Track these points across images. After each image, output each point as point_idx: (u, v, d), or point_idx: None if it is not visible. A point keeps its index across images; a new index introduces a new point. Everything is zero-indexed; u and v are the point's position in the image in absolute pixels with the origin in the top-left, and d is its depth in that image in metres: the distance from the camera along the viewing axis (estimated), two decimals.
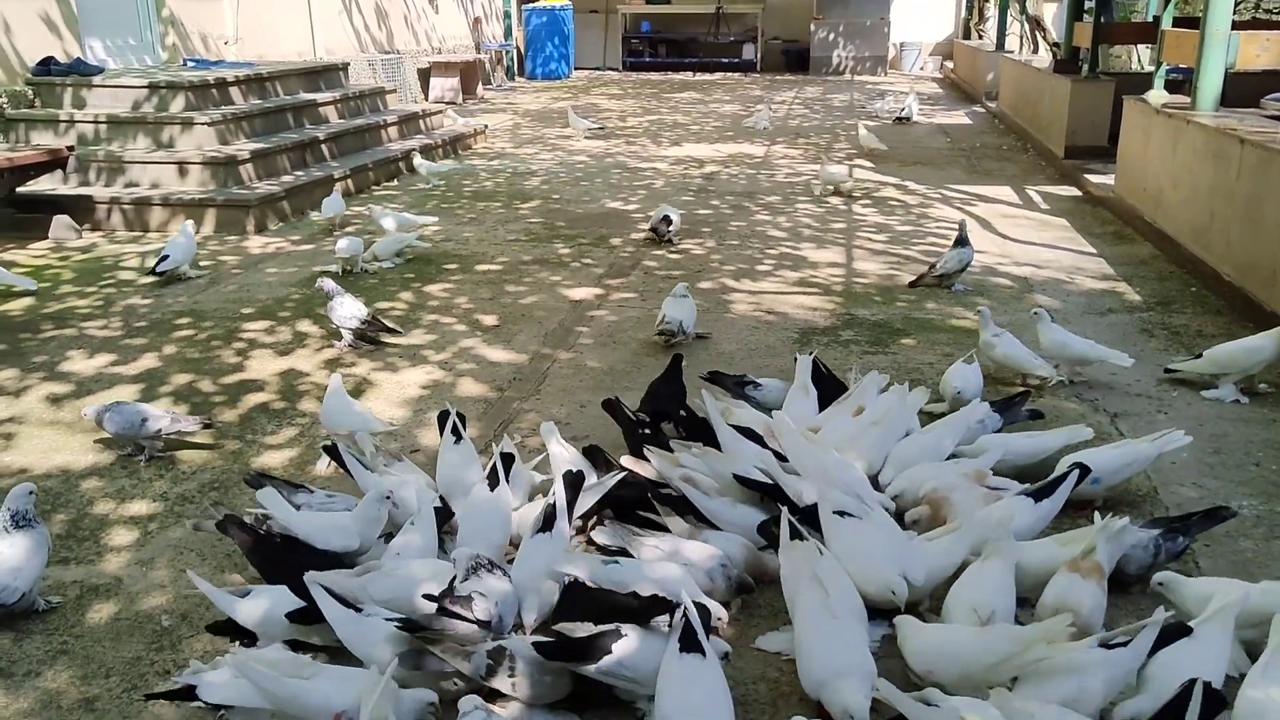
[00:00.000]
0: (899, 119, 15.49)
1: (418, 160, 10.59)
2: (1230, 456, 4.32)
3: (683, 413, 4.31)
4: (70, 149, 8.72)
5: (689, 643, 2.63)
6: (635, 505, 3.62)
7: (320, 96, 11.20)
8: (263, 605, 3.01)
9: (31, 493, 3.35)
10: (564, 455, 3.89)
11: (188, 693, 2.70)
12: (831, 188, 10.14)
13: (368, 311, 5.73)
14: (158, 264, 7.01)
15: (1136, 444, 3.90)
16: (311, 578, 2.91)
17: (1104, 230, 8.49)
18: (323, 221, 8.50)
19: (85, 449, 4.51)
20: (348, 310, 5.62)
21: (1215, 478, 4.13)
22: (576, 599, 3.00)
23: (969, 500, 3.51)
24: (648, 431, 4.10)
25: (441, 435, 3.99)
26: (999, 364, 5.02)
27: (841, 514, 3.20)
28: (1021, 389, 4.79)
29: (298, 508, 3.61)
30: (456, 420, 3.98)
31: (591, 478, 3.74)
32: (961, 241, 6.71)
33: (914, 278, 6.92)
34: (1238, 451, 4.37)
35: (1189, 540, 3.39)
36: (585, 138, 13.94)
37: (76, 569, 3.56)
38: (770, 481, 3.59)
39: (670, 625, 2.73)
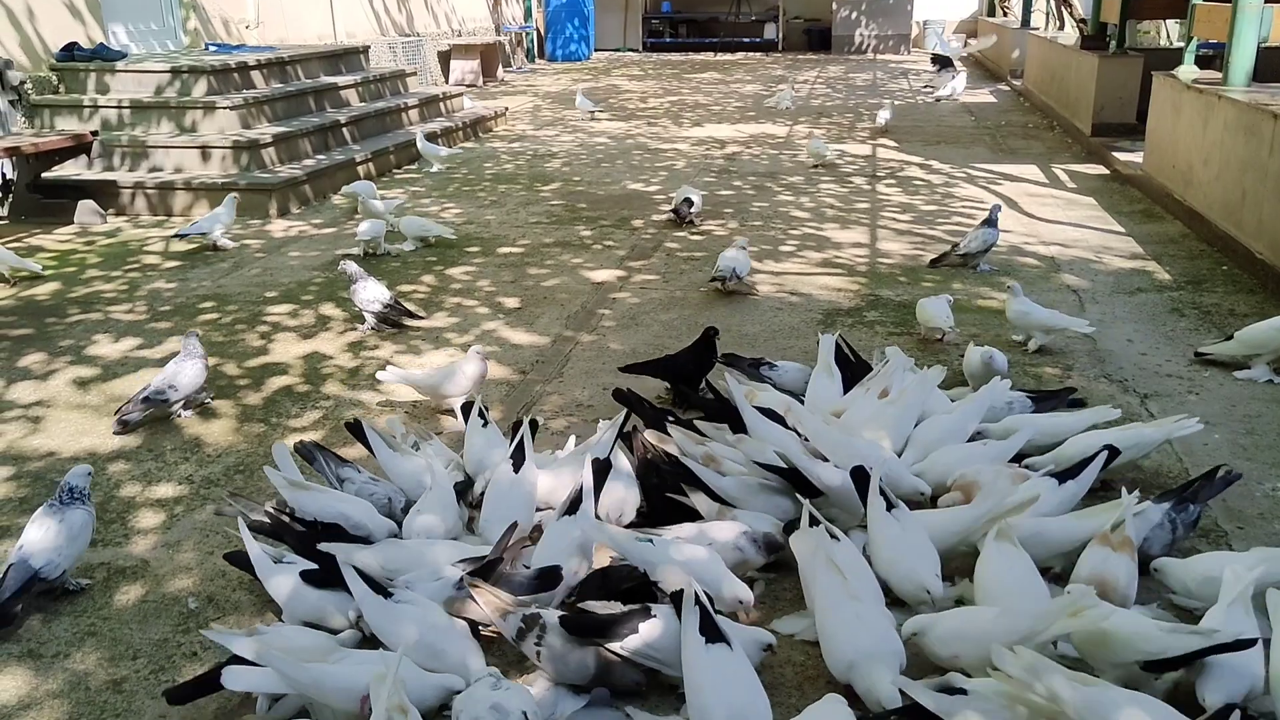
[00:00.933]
0: (938, 98, 15.48)
1: (421, 143, 10.48)
2: (1263, 438, 4.25)
3: (702, 389, 4.29)
4: (94, 134, 8.75)
5: (712, 633, 2.59)
6: (663, 490, 3.60)
7: (341, 80, 11.20)
8: (291, 583, 3.01)
9: (89, 474, 3.40)
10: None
11: (213, 683, 2.66)
12: (818, 160, 10.38)
13: (390, 295, 5.73)
14: (187, 229, 7.31)
15: (1144, 427, 3.86)
16: (344, 559, 2.91)
17: (1132, 208, 8.38)
18: (346, 201, 8.50)
19: (112, 432, 4.53)
20: (370, 294, 5.62)
21: (1249, 459, 4.06)
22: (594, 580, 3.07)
23: (998, 484, 3.47)
24: (669, 412, 4.08)
25: (466, 423, 4.01)
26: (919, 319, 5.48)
27: (890, 506, 3.17)
28: (1066, 386, 4.68)
29: (341, 482, 3.63)
30: (481, 407, 4.00)
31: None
32: (990, 222, 6.63)
33: (935, 256, 6.85)
34: (1271, 433, 4.29)
35: (1200, 507, 3.36)
36: (591, 117, 13.86)
37: (104, 551, 3.58)
38: (789, 467, 3.54)
39: (680, 613, 2.69)
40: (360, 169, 9.74)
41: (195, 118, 9.29)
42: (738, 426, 3.89)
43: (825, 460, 3.57)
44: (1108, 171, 9.88)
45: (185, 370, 4.58)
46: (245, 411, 4.74)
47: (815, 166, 10.35)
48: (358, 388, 4.99)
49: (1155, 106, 8.89)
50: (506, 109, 14.11)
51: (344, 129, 10.37)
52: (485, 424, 3.97)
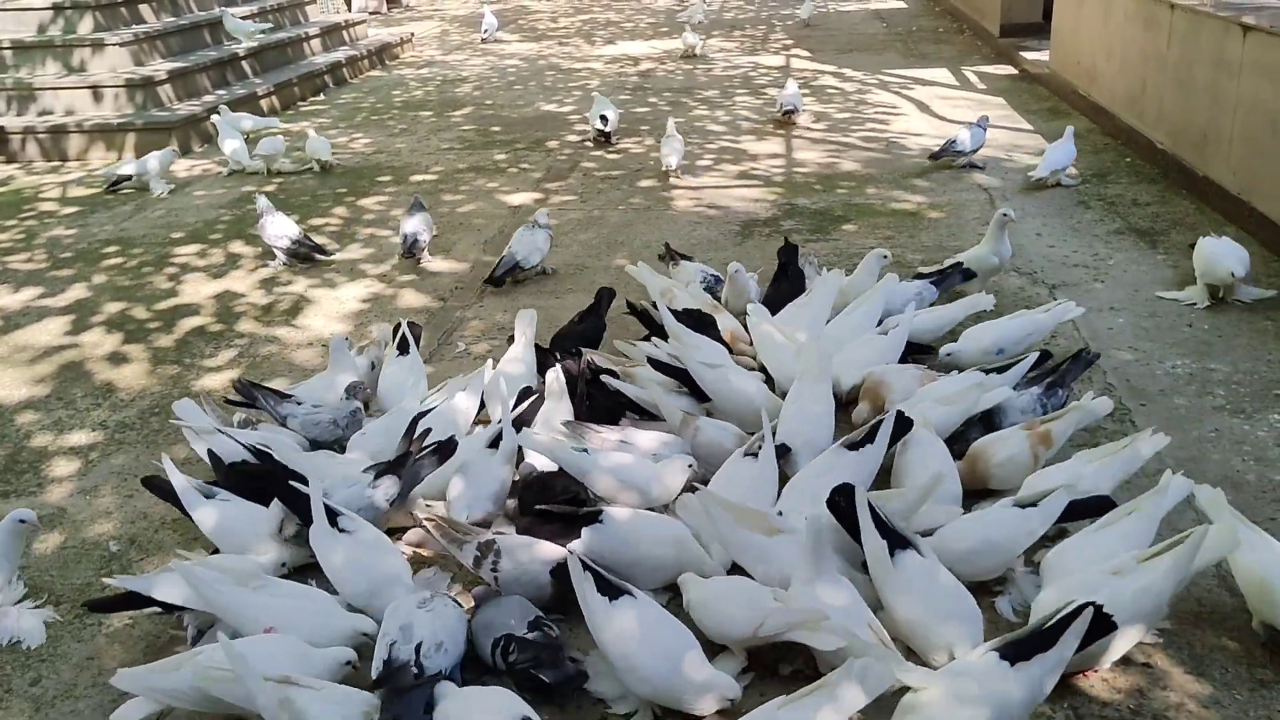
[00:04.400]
0: None
1: (227, 20, 9.98)
2: (1164, 320, 4.40)
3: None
4: None
5: (611, 591, 2.51)
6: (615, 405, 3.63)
7: (236, 11, 10.73)
8: (218, 514, 2.98)
9: (548, 213, 5.34)
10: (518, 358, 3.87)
11: (132, 600, 2.69)
12: (692, 48, 11.70)
13: (299, 230, 5.60)
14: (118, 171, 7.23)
15: (1034, 315, 3.98)
16: (315, 494, 2.83)
17: (1040, 107, 8.49)
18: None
19: (18, 383, 4.41)
20: (278, 229, 5.48)
21: (1150, 340, 4.21)
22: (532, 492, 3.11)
23: (904, 384, 3.54)
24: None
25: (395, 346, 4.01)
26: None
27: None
28: (953, 261, 4.75)
29: (284, 418, 3.58)
30: (407, 331, 3.99)
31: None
32: (980, 125, 6.81)
33: (935, 151, 6.90)
34: (1171, 314, 4.45)
35: (1067, 390, 3.49)
36: (483, 40, 13.56)
37: (18, 501, 3.50)
38: (680, 367, 3.62)
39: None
40: (263, 102, 9.42)
41: (83, 56, 8.87)
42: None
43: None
44: (1016, 71, 9.97)
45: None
46: (158, 354, 4.63)
47: (688, 56, 11.61)
48: (272, 324, 4.90)
49: (1059, 3, 8.96)
50: (413, 35, 13.72)
51: (243, 62, 9.98)
52: (405, 353, 3.96)
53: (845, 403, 3.65)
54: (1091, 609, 2.22)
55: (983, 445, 3.18)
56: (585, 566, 2.52)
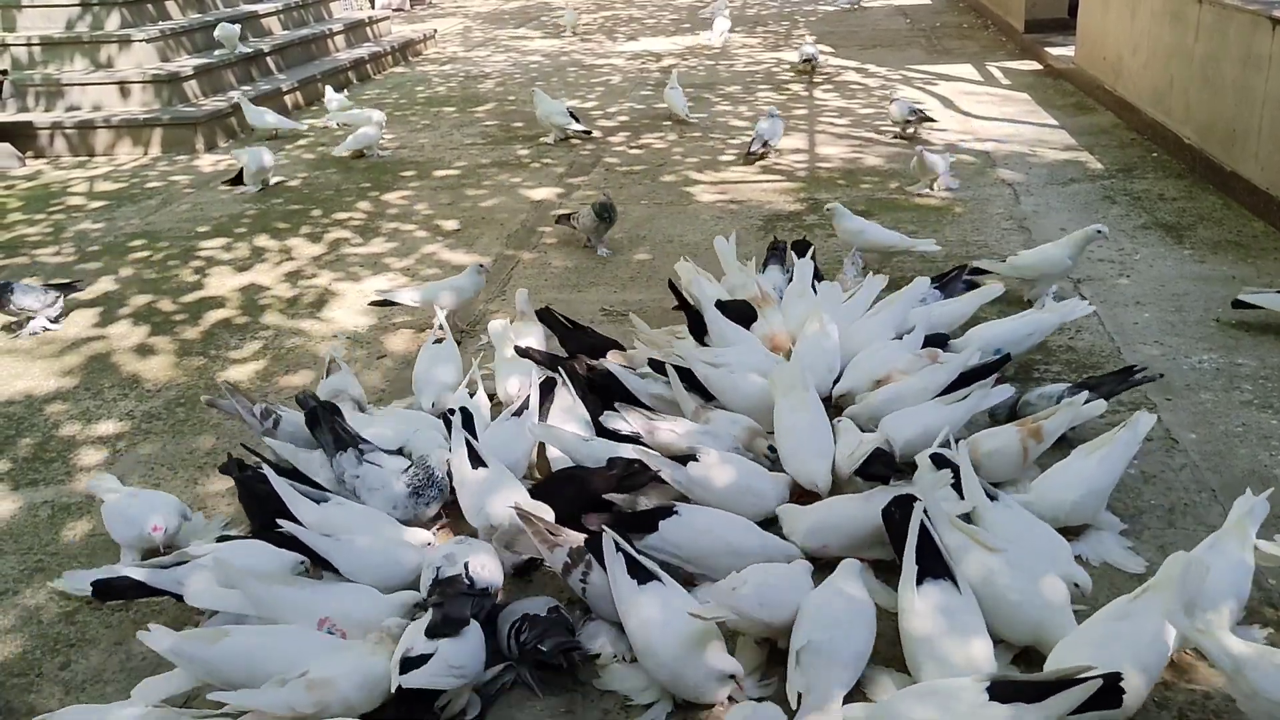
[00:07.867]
0: None
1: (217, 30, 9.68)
2: (1190, 314, 4.37)
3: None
4: (4, 73, 8.43)
5: (641, 574, 2.54)
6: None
7: (261, 7, 10.80)
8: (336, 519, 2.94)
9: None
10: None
11: (142, 588, 2.73)
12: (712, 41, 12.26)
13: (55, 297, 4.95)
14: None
15: (1039, 314, 3.93)
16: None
17: (1065, 102, 8.42)
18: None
19: (47, 374, 4.46)
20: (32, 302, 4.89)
21: (1177, 335, 4.18)
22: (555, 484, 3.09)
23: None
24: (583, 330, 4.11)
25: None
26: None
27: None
28: (958, 265, 4.70)
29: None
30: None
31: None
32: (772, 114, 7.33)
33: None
34: (1197, 309, 4.41)
35: (1095, 397, 3.33)
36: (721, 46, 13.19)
37: (46, 490, 3.55)
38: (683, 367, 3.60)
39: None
40: (287, 99, 9.48)
41: (110, 53, 8.95)
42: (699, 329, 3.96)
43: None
44: (1041, 67, 9.89)
45: None
46: (183, 346, 4.67)
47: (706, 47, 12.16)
48: (297, 316, 4.93)
49: None
50: (436, 31, 13.78)
51: (268, 58, 10.05)
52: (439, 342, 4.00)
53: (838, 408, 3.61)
54: (1100, 678, 2.03)
55: (975, 438, 3.17)
56: (618, 547, 2.55)
